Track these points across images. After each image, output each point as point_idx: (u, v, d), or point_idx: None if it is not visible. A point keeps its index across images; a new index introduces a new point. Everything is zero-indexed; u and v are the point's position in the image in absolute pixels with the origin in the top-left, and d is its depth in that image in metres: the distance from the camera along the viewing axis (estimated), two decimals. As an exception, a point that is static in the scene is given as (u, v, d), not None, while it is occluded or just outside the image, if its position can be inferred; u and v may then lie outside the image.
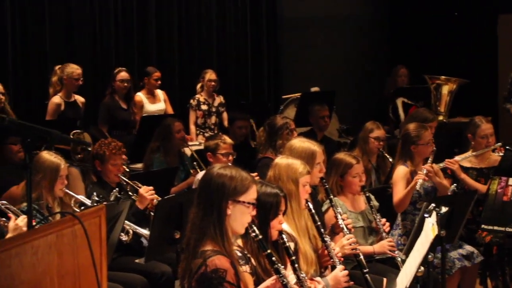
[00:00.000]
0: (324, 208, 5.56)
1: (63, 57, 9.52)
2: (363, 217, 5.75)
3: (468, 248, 6.14)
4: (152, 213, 5.83)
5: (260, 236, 3.83)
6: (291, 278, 3.99)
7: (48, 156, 5.52)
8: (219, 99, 9.93)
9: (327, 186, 5.36)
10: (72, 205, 5.61)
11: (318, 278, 4.39)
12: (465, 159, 6.81)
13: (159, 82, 9.56)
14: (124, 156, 6.39)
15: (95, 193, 5.76)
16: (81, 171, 7.26)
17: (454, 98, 9.52)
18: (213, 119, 9.83)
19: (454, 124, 9.26)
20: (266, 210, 4.10)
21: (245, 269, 3.83)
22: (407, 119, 8.27)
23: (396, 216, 6.31)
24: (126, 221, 5.53)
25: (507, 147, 6.71)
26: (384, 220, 5.62)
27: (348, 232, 5.10)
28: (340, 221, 5.13)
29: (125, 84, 9.05)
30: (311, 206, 4.81)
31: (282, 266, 3.85)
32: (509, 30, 11.60)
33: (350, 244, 4.99)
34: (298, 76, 12.21)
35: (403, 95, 10.15)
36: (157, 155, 7.71)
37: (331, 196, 5.30)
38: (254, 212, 3.77)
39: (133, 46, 10.83)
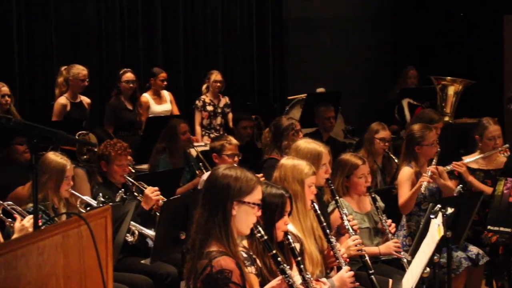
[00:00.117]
0: (329, 209, 5.55)
1: (69, 58, 9.54)
2: (369, 218, 5.75)
3: (474, 249, 6.13)
4: (157, 214, 5.83)
5: (266, 237, 3.82)
6: (297, 278, 3.99)
7: (54, 157, 5.52)
8: (224, 100, 9.93)
9: (332, 187, 5.36)
10: (78, 206, 5.62)
11: (324, 279, 4.38)
12: (472, 161, 6.80)
13: (165, 83, 9.56)
14: (129, 157, 6.39)
15: (101, 194, 5.76)
16: (87, 172, 7.27)
17: (460, 99, 9.51)
18: (219, 120, 9.83)
19: (460, 124, 9.25)
20: (271, 211, 4.10)
21: (250, 270, 3.84)
22: (413, 120, 8.27)
23: (401, 217, 6.31)
24: (131, 222, 5.53)
25: (513, 148, 6.72)
26: (390, 221, 5.61)
27: (353, 233, 5.09)
28: (346, 222, 5.13)
29: (131, 85, 9.05)
30: (316, 207, 4.81)
31: (288, 267, 3.85)
32: (515, 31, 11.61)
33: (356, 245, 4.98)
34: (303, 77, 12.21)
35: (409, 96, 10.15)
36: (163, 156, 7.72)
37: (337, 197, 5.30)
38: (259, 213, 3.77)
39: (138, 47, 10.84)
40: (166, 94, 9.65)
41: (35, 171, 3.54)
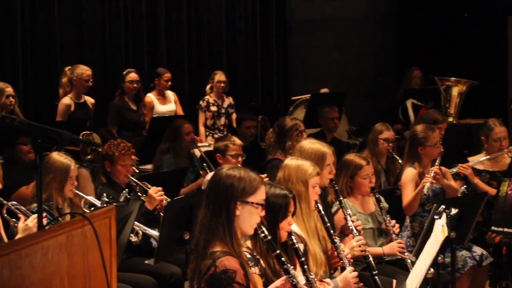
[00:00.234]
0: (333, 210, 5.55)
1: (73, 58, 9.56)
2: (373, 219, 5.75)
3: (478, 250, 6.12)
4: (161, 214, 5.84)
5: (269, 237, 3.82)
6: (301, 279, 3.99)
7: (58, 157, 5.53)
8: (228, 100, 9.93)
9: (336, 187, 5.36)
10: (82, 206, 5.62)
11: (328, 280, 4.39)
12: (478, 163, 6.79)
13: (170, 83, 9.56)
14: (134, 157, 6.40)
15: (104, 194, 5.77)
16: (91, 172, 7.28)
17: (464, 100, 9.50)
18: (223, 120, 9.83)
19: (464, 125, 9.24)
20: (275, 211, 4.10)
21: (254, 270, 3.84)
22: (416, 121, 8.26)
23: (405, 218, 6.30)
24: (135, 222, 5.54)
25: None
26: (393, 221, 5.61)
27: (357, 233, 5.09)
28: (350, 223, 5.13)
29: (135, 85, 9.06)
30: (320, 207, 4.81)
31: (292, 267, 3.85)
32: (519, 31, 11.59)
33: (360, 246, 4.98)
34: (307, 77, 12.21)
35: (413, 96, 10.15)
36: (167, 156, 7.72)
37: (341, 198, 5.30)
38: (263, 213, 3.77)
39: (142, 47, 10.85)
40: (170, 94, 9.65)
41: (40, 171, 3.54)
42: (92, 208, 5.56)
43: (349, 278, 4.47)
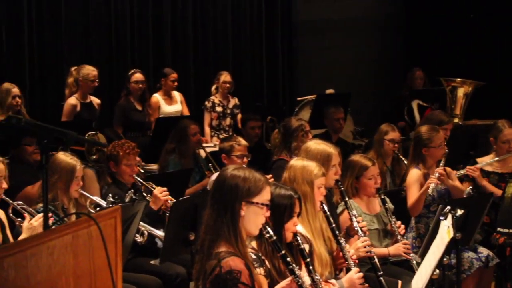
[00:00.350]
0: (339, 210, 5.55)
1: (79, 59, 9.57)
2: (378, 220, 5.74)
3: (483, 251, 6.11)
4: (166, 214, 5.84)
5: (275, 237, 3.82)
6: (306, 280, 3.99)
7: (64, 157, 5.53)
8: (234, 101, 9.94)
9: (342, 188, 5.35)
10: (87, 206, 5.62)
11: (333, 280, 4.39)
12: (486, 164, 6.78)
13: (176, 83, 9.57)
14: (138, 158, 6.40)
15: (110, 194, 5.78)
16: (97, 172, 7.28)
17: (469, 101, 9.48)
18: (228, 120, 9.83)
19: (470, 126, 9.23)
20: (280, 212, 4.10)
21: (259, 271, 3.84)
22: (422, 122, 8.25)
23: (410, 219, 6.30)
24: (141, 223, 5.54)
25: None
26: (399, 222, 5.60)
27: (363, 234, 5.09)
28: (355, 223, 5.13)
29: (140, 86, 9.07)
30: (326, 208, 4.81)
31: (297, 267, 3.85)
32: (525, 32, 11.57)
33: (365, 247, 4.98)
34: (313, 78, 12.21)
35: (419, 97, 10.14)
36: (173, 157, 7.72)
37: (346, 198, 5.29)
38: (268, 213, 3.77)
39: (148, 48, 10.87)
40: (176, 94, 9.66)
41: (45, 171, 3.54)
42: (98, 208, 5.57)
43: (354, 279, 4.47)
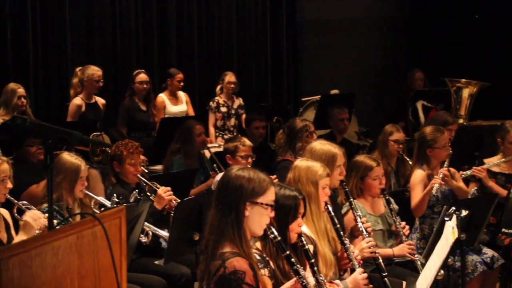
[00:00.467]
0: (343, 211, 5.55)
1: (83, 59, 9.58)
2: (383, 220, 5.74)
3: (488, 252, 6.10)
4: (170, 214, 5.84)
5: (279, 238, 3.82)
6: (310, 280, 3.99)
7: (68, 157, 5.53)
8: (238, 101, 9.94)
9: (347, 188, 5.35)
10: (92, 206, 5.63)
11: (337, 281, 4.38)
12: (493, 165, 6.77)
13: (182, 83, 9.58)
14: (142, 157, 6.40)
15: (115, 195, 5.77)
16: (101, 172, 7.29)
17: (474, 101, 9.47)
18: (232, 121, 9.83)
19: (475, 127, 9.21)
20: (284, 212, 4.10)
21: (263, 272, 3.84)
22: (426, 122, 8.24)
23: (415, 220, 6.29)
24: (145, 223, 5.54)
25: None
26: (403, 223, 5.59)
27: (367, 235, 5.08)
28: (360, 224, 5.12)
29: (144, 86, 9.07)
30: (330, 208, 4.80)
31: (302, 268, 3.85)
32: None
33: (370, 247, 4.97)
34: (317, 78, 12.20)
35: (423, 98, 10.12)
36: (177, 157, 7.72)
37: (351, 199, 5.29)
38: (272, 214, 3.77)
39: (153, 48, 10.88)
40: (182, 95, 9.66)
41: (50, 172, 3.55)
42: (103, 209, 5.57)
43: (358, 279, 4.46)
